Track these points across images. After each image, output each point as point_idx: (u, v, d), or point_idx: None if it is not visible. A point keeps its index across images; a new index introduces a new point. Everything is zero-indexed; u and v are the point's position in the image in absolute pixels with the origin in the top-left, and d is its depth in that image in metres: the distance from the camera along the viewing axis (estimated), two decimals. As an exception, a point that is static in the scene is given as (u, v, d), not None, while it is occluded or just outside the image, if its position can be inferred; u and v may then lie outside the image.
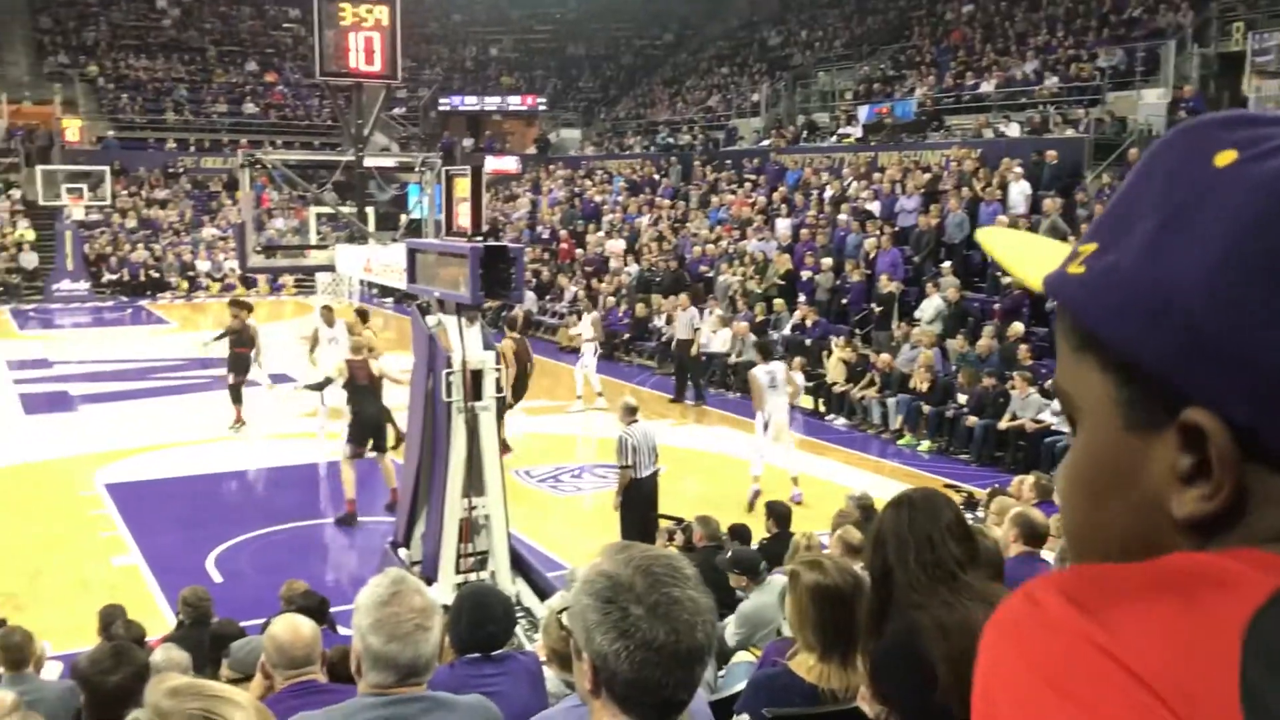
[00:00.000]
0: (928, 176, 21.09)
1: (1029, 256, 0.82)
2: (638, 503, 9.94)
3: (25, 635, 5.34)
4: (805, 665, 3.01)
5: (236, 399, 15.07)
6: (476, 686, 2.92)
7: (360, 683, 2.55)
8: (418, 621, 2.49)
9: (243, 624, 6.74)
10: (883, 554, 2.59)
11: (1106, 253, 0.70)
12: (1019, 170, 18.91)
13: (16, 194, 33.65)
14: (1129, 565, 0.65)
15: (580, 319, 18.94)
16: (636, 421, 10.38)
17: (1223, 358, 0.64)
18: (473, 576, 7.92)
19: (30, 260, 31.48)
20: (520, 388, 14.21)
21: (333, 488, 12.15)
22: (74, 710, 4.92)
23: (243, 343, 14.85)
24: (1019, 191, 18.56)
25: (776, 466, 12.24)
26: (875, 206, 21.17)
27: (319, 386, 13.33)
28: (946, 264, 17.93)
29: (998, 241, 0.88)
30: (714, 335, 18.77)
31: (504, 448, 13.80)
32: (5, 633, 5.44)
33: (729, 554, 6.94)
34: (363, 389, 11.41)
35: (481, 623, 3.49)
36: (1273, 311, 0.63)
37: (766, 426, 12.16)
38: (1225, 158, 0.67)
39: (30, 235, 32.14)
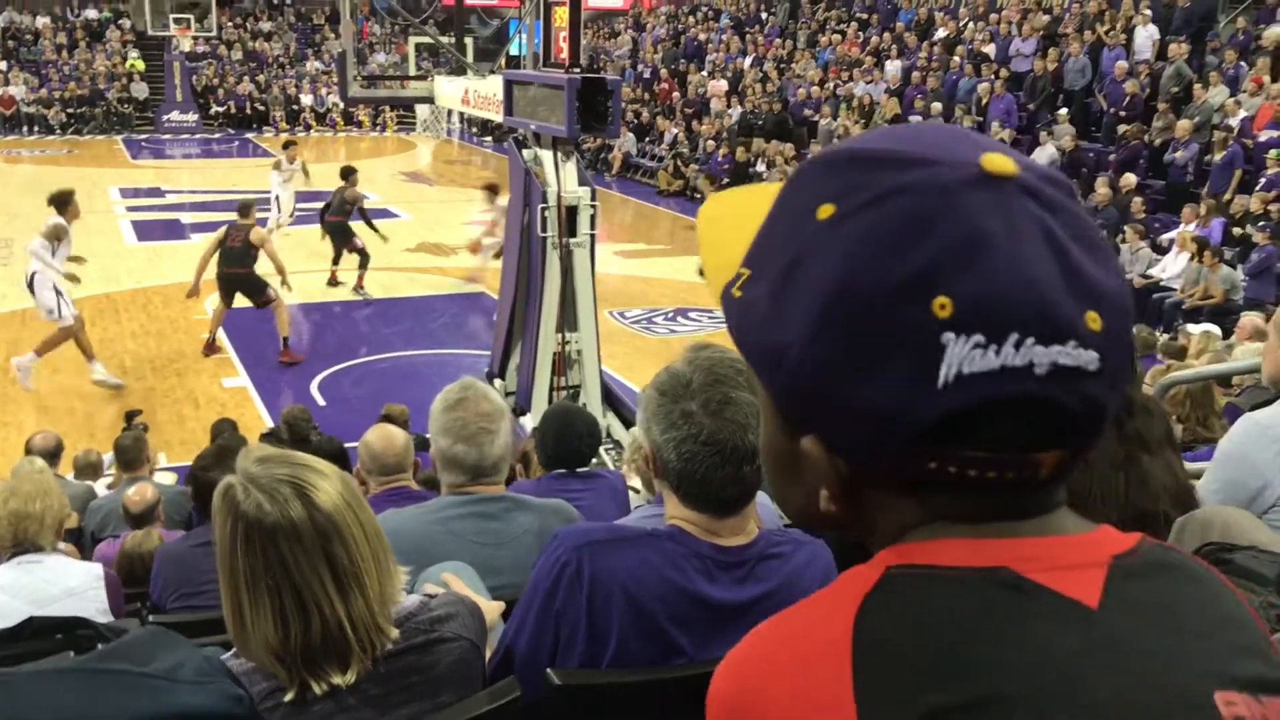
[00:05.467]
0: (1048, 19, 20.04)
1: (733, 245, 0.82)
2: None
3: (136, 440, 5.63)
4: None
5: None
6: (560, 498, 3.00)
7: (442, 485, 2.66)
8: (482, 425, 2.58)
9: (346, 444, 7.02)
10: None
11: (755, 284, 0.75)
12: (1148, 13, 17.81)
13: (126, 24, 34.05)
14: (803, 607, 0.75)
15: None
16: None
17: (821, 405, 0.71)
18: (564, 408, 8.08)
19: (141, 90, 32.04)
20: None
21: (433, 320, 12.44)
22: (186, 512, 5.22)
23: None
24: (1145, 36, 17.52)
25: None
26: (991, 49, 20.27)
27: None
28: (1063, 111, 17.17)
29: (717, 217, 0.87)
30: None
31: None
32: (119, 437, 5.75)
33: None
34: None
35: (566, 439, 3.59)
36: (855, 369, 0.68)
37: None
38: (825, 211, 0.70)
39: (140, 65, 32.63)
